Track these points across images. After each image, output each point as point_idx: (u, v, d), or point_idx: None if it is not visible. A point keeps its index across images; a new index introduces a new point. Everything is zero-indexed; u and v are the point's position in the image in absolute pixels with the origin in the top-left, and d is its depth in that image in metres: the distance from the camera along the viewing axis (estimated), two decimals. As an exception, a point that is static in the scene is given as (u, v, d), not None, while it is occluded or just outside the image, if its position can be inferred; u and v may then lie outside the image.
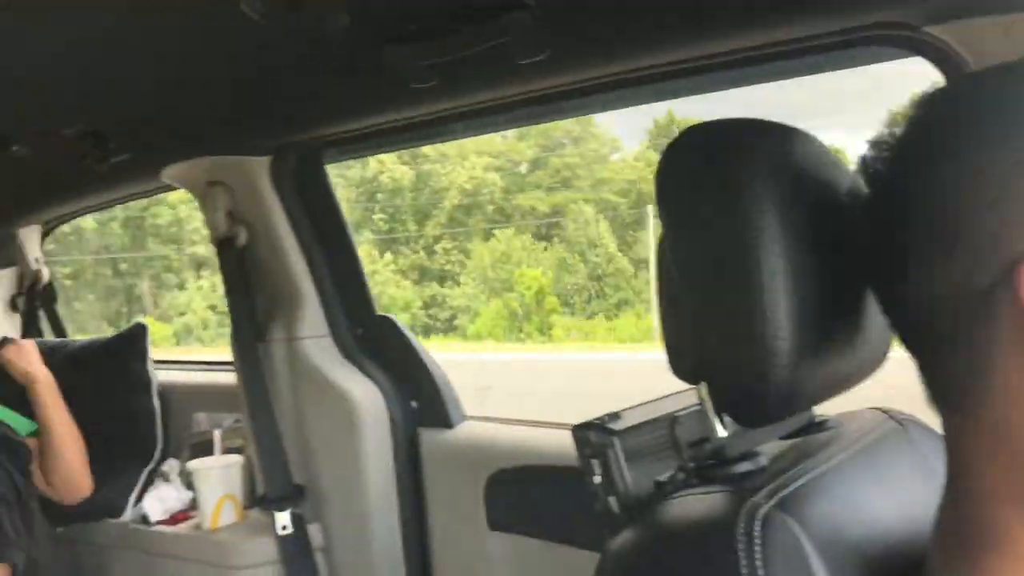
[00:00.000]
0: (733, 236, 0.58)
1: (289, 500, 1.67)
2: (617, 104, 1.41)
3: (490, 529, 1.53)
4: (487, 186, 17.23)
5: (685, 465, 0.70)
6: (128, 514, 1.92)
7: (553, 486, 1.42)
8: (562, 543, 1.41)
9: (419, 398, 1.69)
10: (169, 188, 1.94)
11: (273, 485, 1.68)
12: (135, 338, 2.07)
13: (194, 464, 1.80)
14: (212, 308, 18.43)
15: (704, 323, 0.62)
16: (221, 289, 1.78)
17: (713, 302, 0.61)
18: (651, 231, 15.82)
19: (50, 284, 2.30)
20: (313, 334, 1.71)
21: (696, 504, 0.62)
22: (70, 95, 1.45)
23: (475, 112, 1.39)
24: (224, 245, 1.71)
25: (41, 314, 2.38)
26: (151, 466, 2.01)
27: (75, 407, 1.82)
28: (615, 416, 0.75)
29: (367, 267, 1.99)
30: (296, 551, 1.66)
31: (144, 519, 1.88)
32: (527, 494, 1.48)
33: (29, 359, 1.87)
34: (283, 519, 1.66)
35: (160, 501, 1.91)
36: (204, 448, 1.96)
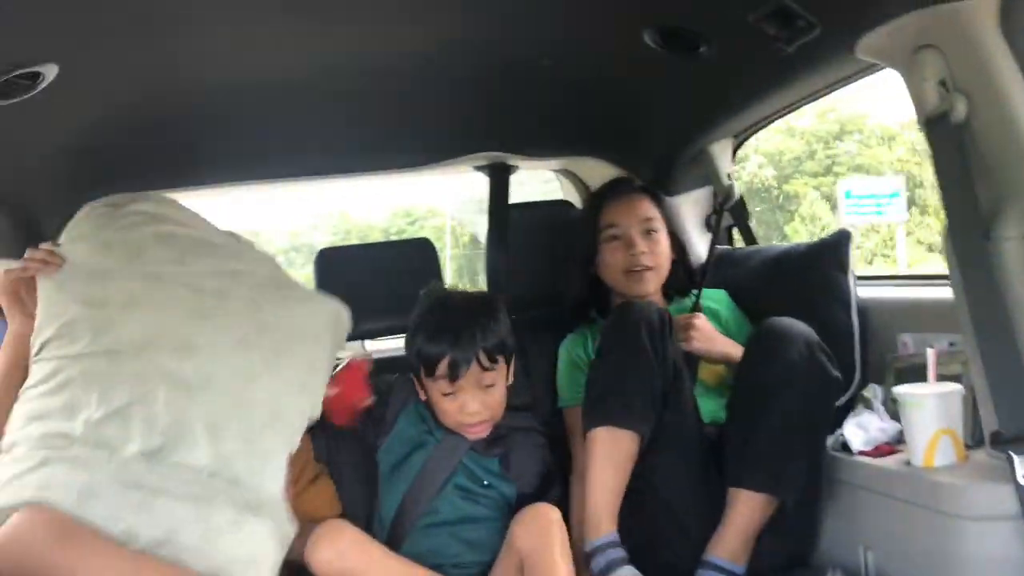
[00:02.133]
0: None
1: (1033, 441, 1.30)
2: None
3: None
4: (760, 180, 21.68)
5: None
6: (828, 440, 1.76)
7: None
8: None
9: None
10: (860, 73, 1.69)
11: (1010, 420, 1.32)
12: (837, 246, 1.89)
13: (903, 390, 1.54)
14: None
15: None
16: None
17: None
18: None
19: (741, 199, 2.26)
20: (1062, 227, 1.29)
21: None
22: None
23: None
24: (935, 123, 1.39)
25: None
26: (850, 392, 1.82)
27: (766, 313, 1.75)
28: None
29: None
30: (1044, 507, 1.29)
31: (844, 446, 1.70)
32: None
33: (717, 339, 1.89)
34: (1025, 465, 1.29)
35: (862, 429, 1.70)
36: (910, 374, 1.68)
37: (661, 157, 2.27)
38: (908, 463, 1.53)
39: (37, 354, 1.50)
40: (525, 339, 2.18)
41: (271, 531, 1.44)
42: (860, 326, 1.84)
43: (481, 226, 2.53)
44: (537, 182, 2.43)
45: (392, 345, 2.23)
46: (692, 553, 1.69)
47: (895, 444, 1.65)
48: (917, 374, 1.63)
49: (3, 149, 1.73)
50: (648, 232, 1.96)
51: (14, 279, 1.55)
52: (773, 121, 2.14)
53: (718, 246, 2.14)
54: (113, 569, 1.26)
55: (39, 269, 1.53)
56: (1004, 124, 1.32)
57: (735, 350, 1.86)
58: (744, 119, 2.07)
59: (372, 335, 2.23)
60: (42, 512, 1.27)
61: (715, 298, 2.03)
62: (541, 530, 1.53)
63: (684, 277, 2.05)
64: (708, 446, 1.79)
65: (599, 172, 2.49)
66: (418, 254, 2.22)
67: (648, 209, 1.99)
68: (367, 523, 1.77)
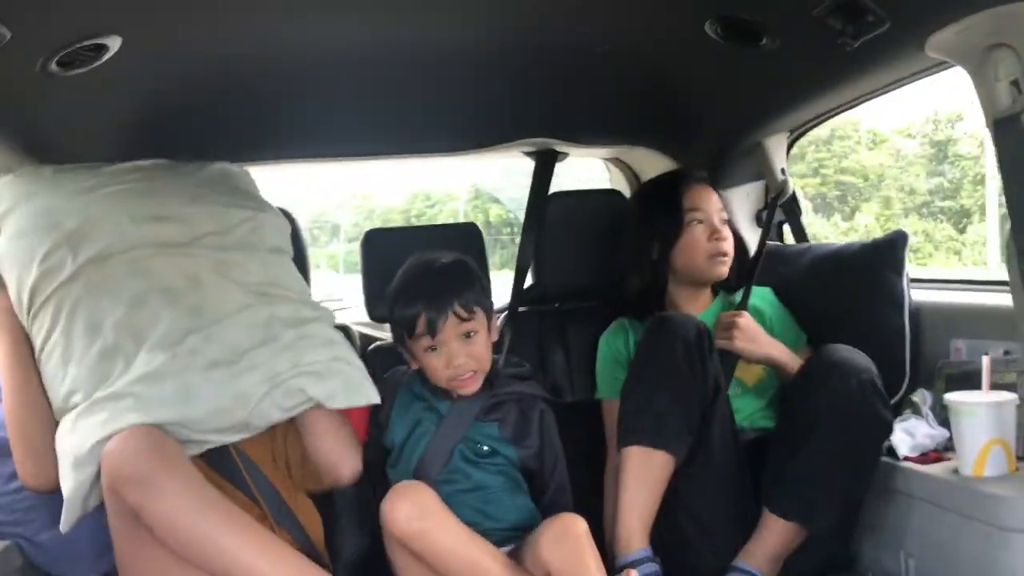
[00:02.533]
0: None
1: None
2: None
3: None
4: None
5: None
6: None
7: None
8: None
9: None
10: (924, 71, 1.65)
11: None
12: (893, 246, 1.84)
13: (955, 397, 1.51)
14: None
15: None
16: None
17: None
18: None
19: (793, 196, 2.22)
20: None
21: None
22: None
23: None
24: (1004, 125, 1.35)
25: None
26: (898, 396, 1.78)
27: (815, 313, 1.71)
28: None
29: None
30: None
31: (891, 452, 1.67)
32: None
33: (761, 340, 1.84)
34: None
35: (909, 435, 1.67)
36: (961, 380, 1.65)
37: (716, 149, 2.24)
38: (956, 472, 1.51)
39: (31, 305, 1.55)
40: (566, 329, 2.18)
41: (324, 322, 1.66)
42: (911, 329, 1.80)
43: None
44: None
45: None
46: (722, 564, 1.69)
47: (942, 451, 1.63)
48: (969, 381, 1.60)
49: (65, 119, 1.76)
50: (723, 222, 1.96)
51: None
52: (831, 117, 2.10)
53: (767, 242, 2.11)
54: (188, 490, 1.39)
55: None
56: (1077, 128, 1.28)
57: (778, 352, 1.82)
58: (802, 114, 2.02)
59: None
60: (141, 430, 1.42)
61: (760, 295, 1.99)
62: (572, 547, 1.49)
63: (737, 273, 2.01)
64: (745, 455, 1.77)
65: (650, 162, 2.47)
66: (464, 238, 2.22)
67: (719, 200, 1.99)
68: None
